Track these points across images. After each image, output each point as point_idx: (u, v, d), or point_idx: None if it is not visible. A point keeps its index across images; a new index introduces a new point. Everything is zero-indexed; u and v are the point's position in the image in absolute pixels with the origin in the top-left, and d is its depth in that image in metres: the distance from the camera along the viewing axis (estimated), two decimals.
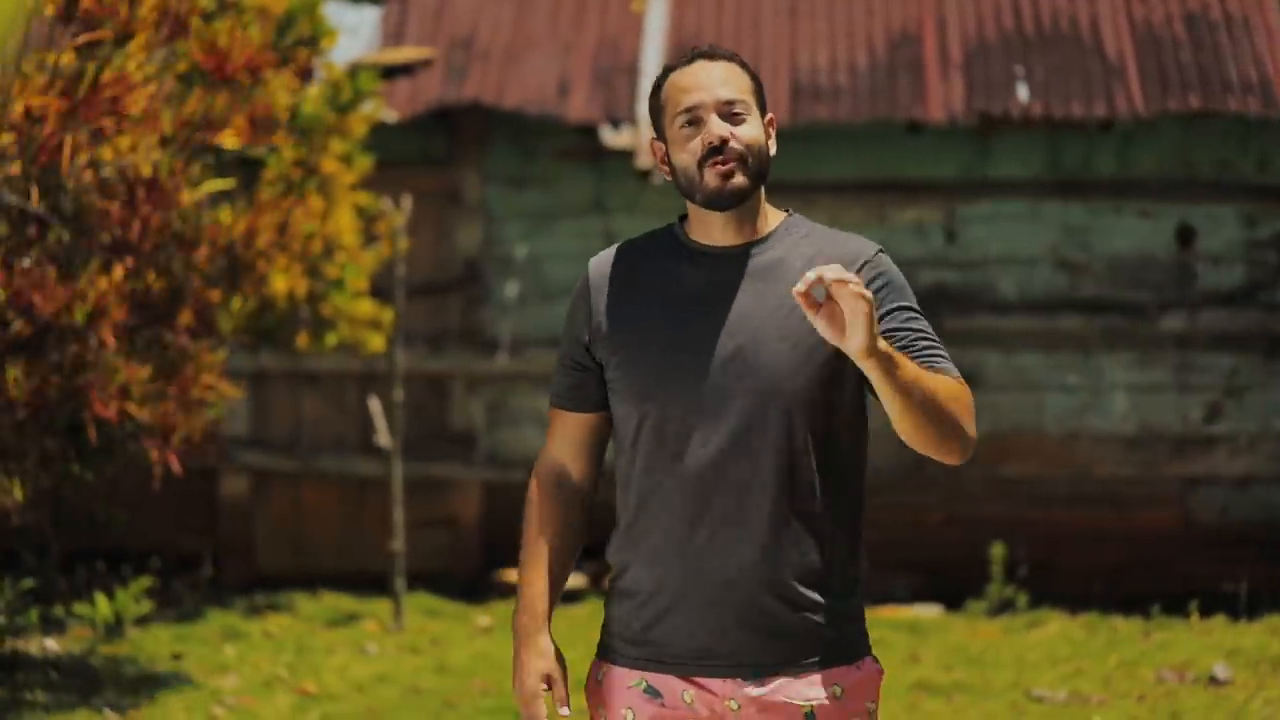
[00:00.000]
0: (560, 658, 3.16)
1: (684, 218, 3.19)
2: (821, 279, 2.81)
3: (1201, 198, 10.26)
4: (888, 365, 2.87)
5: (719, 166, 3.05)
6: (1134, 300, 10.28)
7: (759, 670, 3.05)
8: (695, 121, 3.07)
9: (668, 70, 3.15)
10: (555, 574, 3.18)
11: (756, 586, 3.03)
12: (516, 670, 3.14)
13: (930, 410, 2.94)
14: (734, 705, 3.06)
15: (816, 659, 3.06)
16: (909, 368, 2.92)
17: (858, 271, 3.04)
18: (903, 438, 2.98)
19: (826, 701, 3.04)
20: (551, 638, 3.16)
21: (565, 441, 3.22)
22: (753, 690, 3.05)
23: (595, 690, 3.19)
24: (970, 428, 3.02)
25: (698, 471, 3.04)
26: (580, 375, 3.18)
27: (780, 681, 3.05)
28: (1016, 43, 10.25)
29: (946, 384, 2.99)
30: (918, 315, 3.08)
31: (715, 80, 3.08)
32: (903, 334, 3.04)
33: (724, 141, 3.05)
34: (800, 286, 2.82)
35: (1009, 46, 10.24)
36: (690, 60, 3.12)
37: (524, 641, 3.15)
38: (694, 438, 3.05)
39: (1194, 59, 10.04)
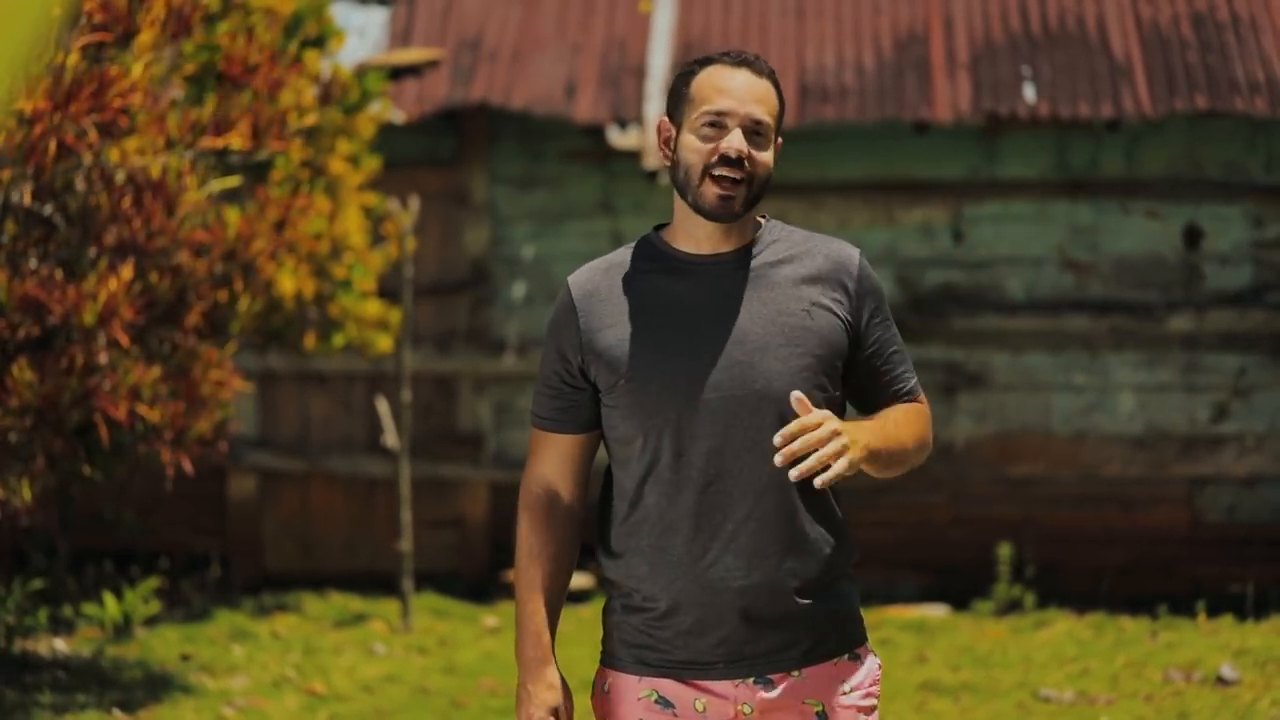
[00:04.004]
0: (567, 690, 3.16)
1: (659, 227, 3.18)
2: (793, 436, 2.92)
3: (1208, 198, 10.27)
4: (871, 459, 3.00)
5: (721, 186, 3.01)
6: (1141, 300, 10.28)
7: (770, 670, 3.07)
8: (719, 126, 3.02)
9: (708, 61, 3.09)
10: (555, 600, 3.17)
11: (774, 591, 3.05)
12: (524, 701, 3.13)
13: (898, 463, 3.11)
14: (746, 709, 3.08)
15: (825, 654, 3.10)
16: (889, 445, 3.05)
17: (853, 281, 3.11)
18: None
19: (836, 700, 3.10)
20: (558, 668, 3.15)
21: (555, 462, 3.18)
22: (764, 693, 3.07)
23: (602, 701, 3.18)
24: (929, 442, 3.21)
25: (711, 483, 3.04)
26: (571, 396, 3.14)
27: (790, 683, 3.08)
28: (1023, 43, 10.25)
29: (912, 426, 3.14)
30: (894, 329, 3.20)
31: (752, 96, 3.03)
32: (883, 358, 3.16)
33: (740, 157, 3.01)
34: (778, 462, 2.92)
35: (1016, 47, 10.24)
36: (736, 65, 3.06)
37: (531, 673, 3.13)
38: (704, 450, 3.04)
39: (1201, 59, 10.04)
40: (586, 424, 3.15)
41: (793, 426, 2.88)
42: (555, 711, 3.12)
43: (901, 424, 3.11)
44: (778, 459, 2.88)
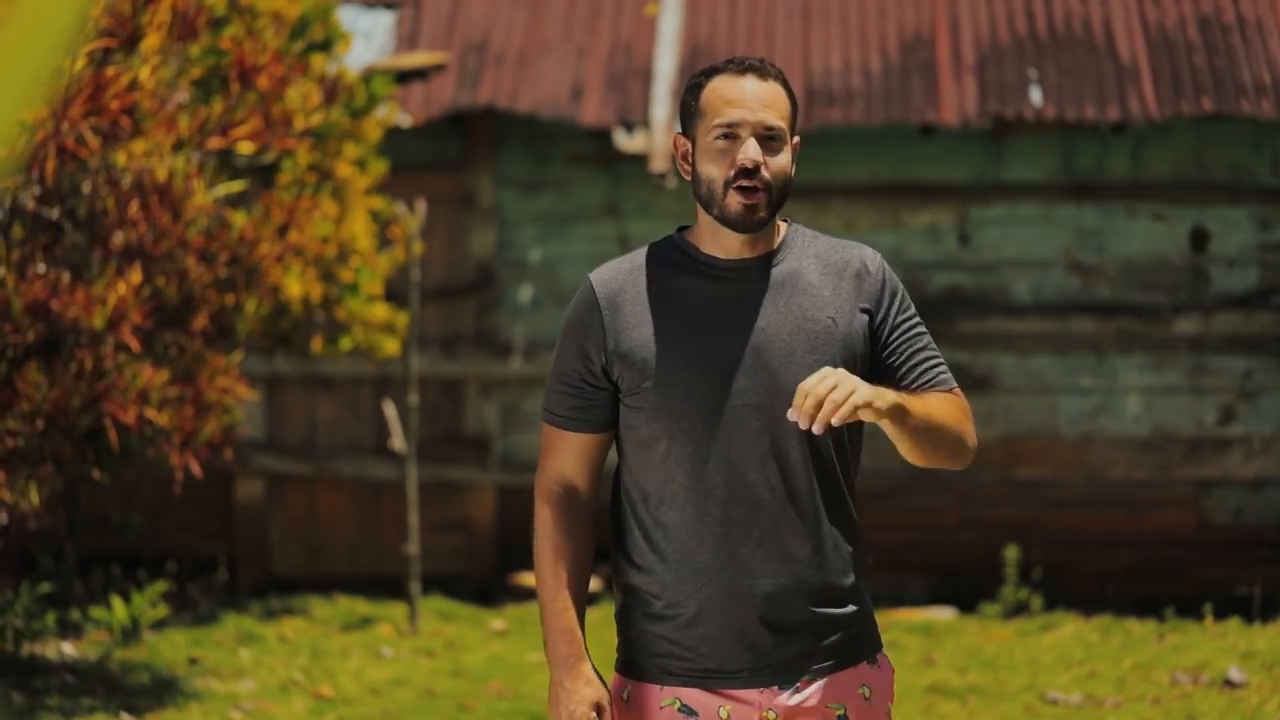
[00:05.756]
0: (605, 685, 3.15)
1: (683, 228, 3.18)
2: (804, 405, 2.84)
3: (1215, 200, 10.26)
4: (899, 415, 2.94)
5: (745, 195, 3.01)
6: (1147, 303, 10.28)
7: (795, 677, 3.09)
8: (732, 137, 3.02)
9: (713, 72, 3.08)
10: (580, 596, 3.16)
11: (797, 597, 3.07)
12: (562, 699, 3.10)
13: (937, 439, 3.05)
14: (771, 715, 3.08)
15: (847, 660, 3.13)
16: (916, 409, 2.98)
17: (874, 283, 3.11)
18: (909, 459, 3.10)
19: (858, 703, 3.12)
20: (592, 663, 3.15)
21: (571, 459, 3.17)
22: (788, 698, 3.09)
23: (622, 709, 3.17)
24: (971, 437, 3.13)
25: (735, 488, 3.04)
26: (591, 396, 3.13)
27: (813, 688, 3.10)
28: (1029, 45, 10.25)
29: (947, 407, 3.08)
30: (919, 324, 3.16)
31: (761, 101, 3.03)
32: (905, 346, 3.12)
33: (757, 167, 3.01)
34: (791, 417, 2.86)
35: (1022, 49, 10.24)
36: (741, 72, 3.06)
37: (569, 670, 3.11)
38: (730, 455, 3.04)
39: (1207, 62, 10.03)
40: (604, 423, 3.15)
41: (797, 395, 2.84)
42: (598, 707, 3.11)
43: (934, 403, 3.06)
44: (790, 414, 2.84)
